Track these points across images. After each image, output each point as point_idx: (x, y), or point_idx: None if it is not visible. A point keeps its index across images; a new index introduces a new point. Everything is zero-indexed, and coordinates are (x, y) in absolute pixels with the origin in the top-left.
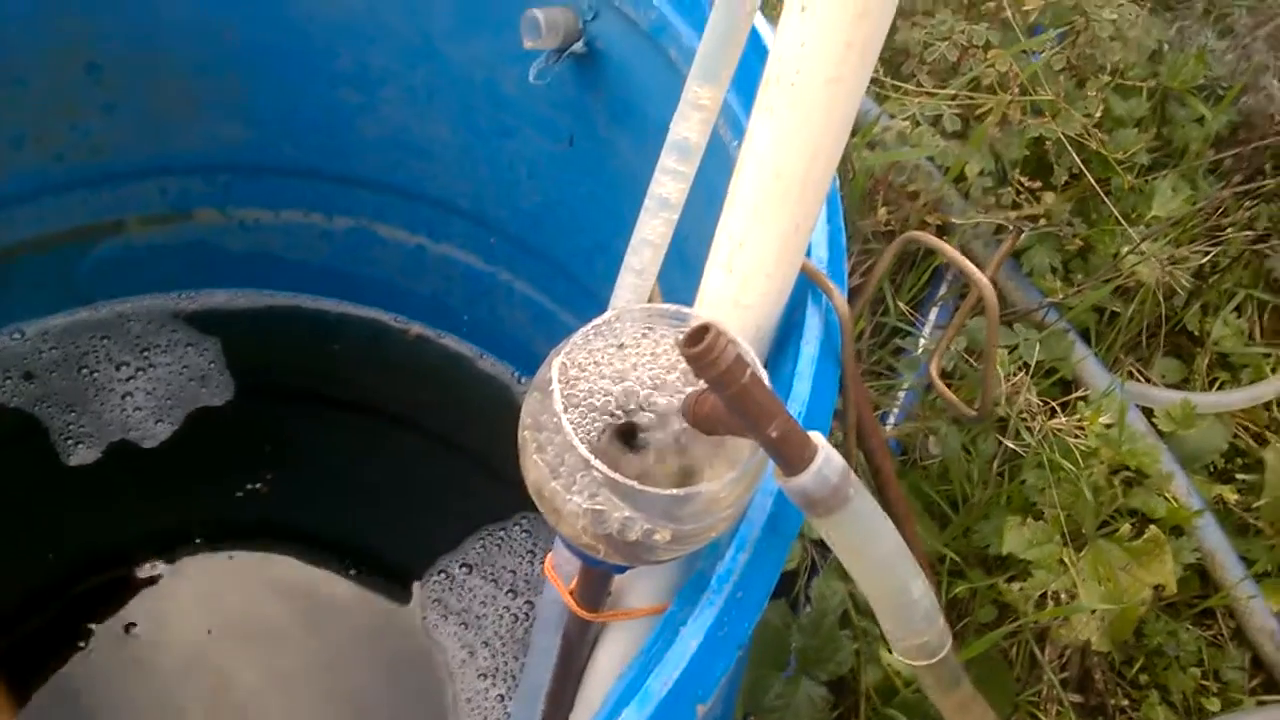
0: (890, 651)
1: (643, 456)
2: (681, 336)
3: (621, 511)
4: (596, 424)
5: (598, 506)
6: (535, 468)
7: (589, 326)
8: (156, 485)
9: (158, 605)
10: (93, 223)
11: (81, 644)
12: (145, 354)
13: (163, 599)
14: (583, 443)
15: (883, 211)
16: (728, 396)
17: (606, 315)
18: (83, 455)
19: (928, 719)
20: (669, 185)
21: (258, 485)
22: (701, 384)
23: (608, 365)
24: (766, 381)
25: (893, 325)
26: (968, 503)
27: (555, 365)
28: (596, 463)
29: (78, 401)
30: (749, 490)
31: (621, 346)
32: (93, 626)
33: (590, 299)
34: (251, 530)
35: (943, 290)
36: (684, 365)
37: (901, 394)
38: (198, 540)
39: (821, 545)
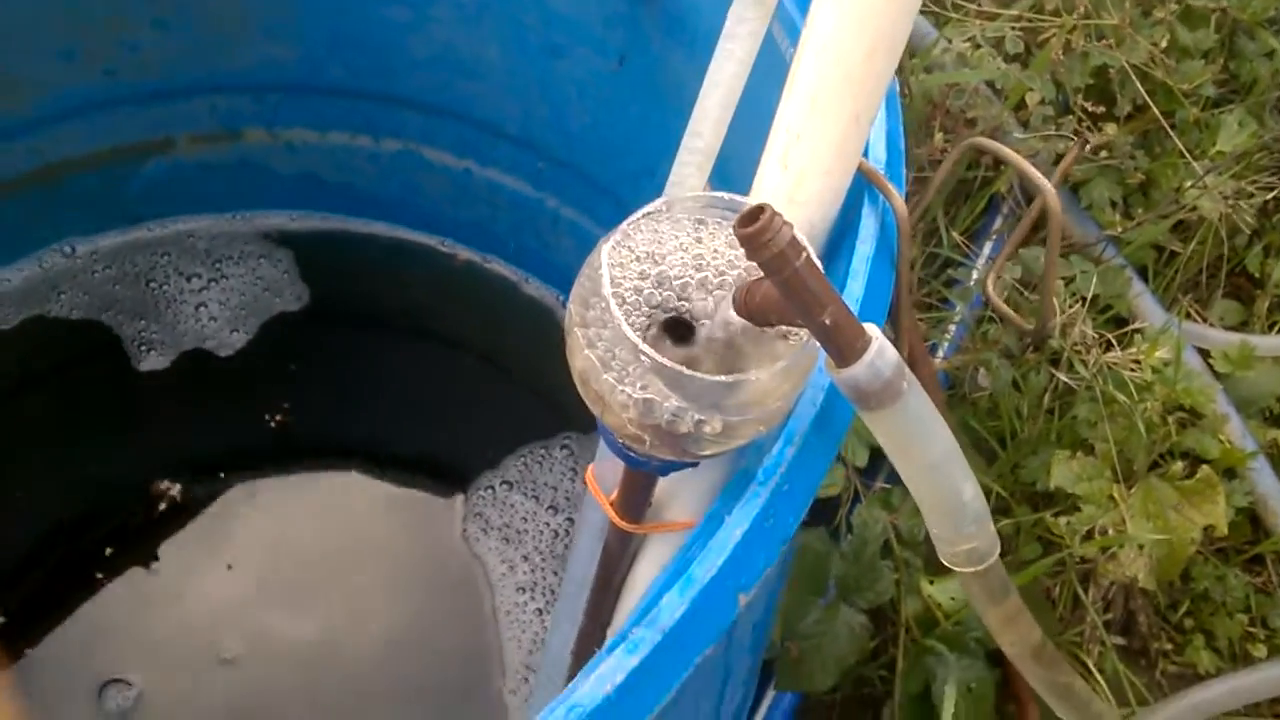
0: (931, 583)
1: (691, 349)
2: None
3: (671, 400)
4: (645, 314)
5: (647, 396)
6: (583, 359)
7: (638, 214)
8: (225, 392)
9: (210, 511)
10: (143, 140)
11: (142, 548)
12: (217, 265)
13: (214, 507)
14: (632, 331)
15: (939, 138)
16: (781, 280)
17: (656, 203)
18: (154, 361)
19: (967, 651)
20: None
21: (308, 398)
22: (754, 275)
23: (657, 255)
24: (820, 268)
25: (946, 256)
26: (1016, 438)
27: (604, 252)
28: (645, 348)
29: (147, 312)
30: (799, 382)
31: (674, 235)
32: (154, 531)
33: None
34: (300, 442)
35: (998, 223)
36: (737, 257)
37: (953, 327)
38: (244, 450)
39: (864, 473)
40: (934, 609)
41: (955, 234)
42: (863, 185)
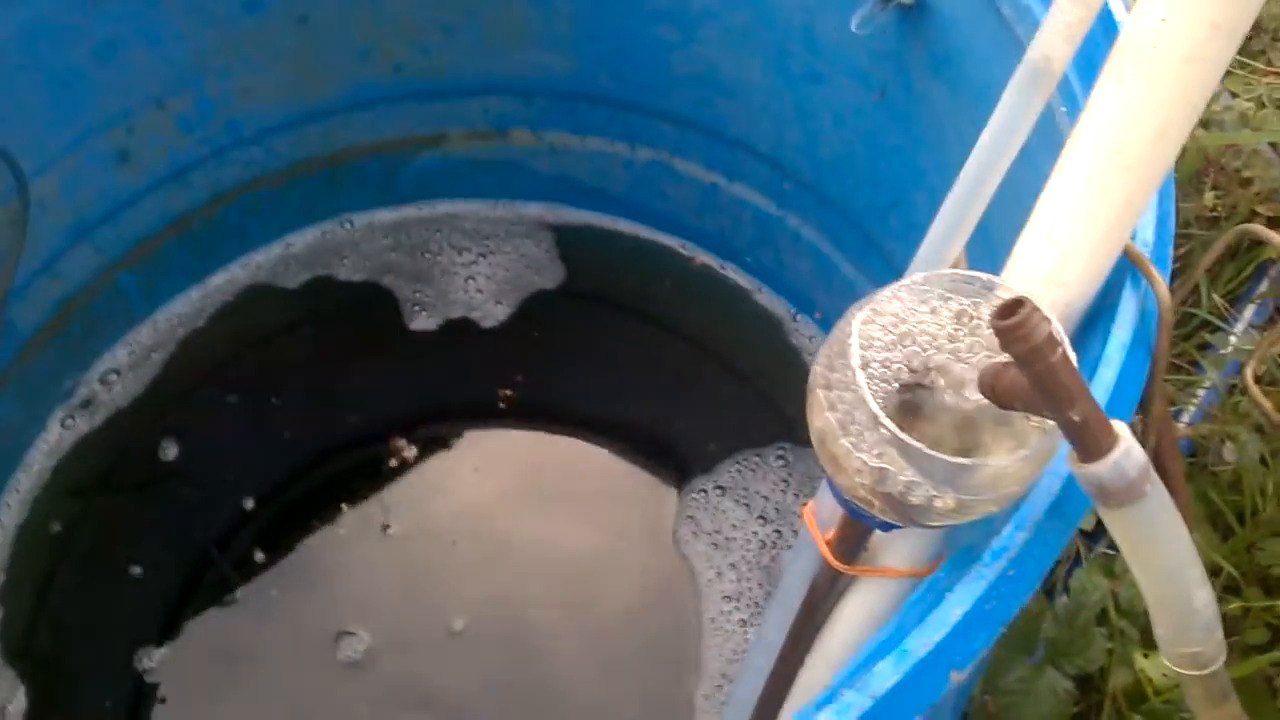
0: (1145, 656)
1: (930, 422)
2: (992, 307)
3: (906, 474)
4: (888, 384)
5: (883, 465)
6: (823, 420)
7: (893, 286)
8: (479, 359)
9: (441, 474)
10: (419, 133)
11: (379, 505)
12: (486, 242)
13: (445, 471)
14: (874, 397)
15: (1210, 196)
16: (1033, 373)
17: (911, 276)
18: (424, 322)
19: None
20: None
21: (548, 374)
22: (1001, 356)
23: (907, 327)
24: (1075, 363)
25: (1202, 318)
26: (1256, 516)
27: (855, 321)
28: (886, 421)
29: (422, 278)
30: (1037, 470)
31: (923, 310)
32: (391, 488)
33: (877, 254)
34: (534, 417)
35: (1264, 287)
36: (985, 336)
37: (1201, 392)
38: (483, 417)
39: (1088, 536)
40: (1145, 683)
41: (1216, 295)
42: (1125, 265)
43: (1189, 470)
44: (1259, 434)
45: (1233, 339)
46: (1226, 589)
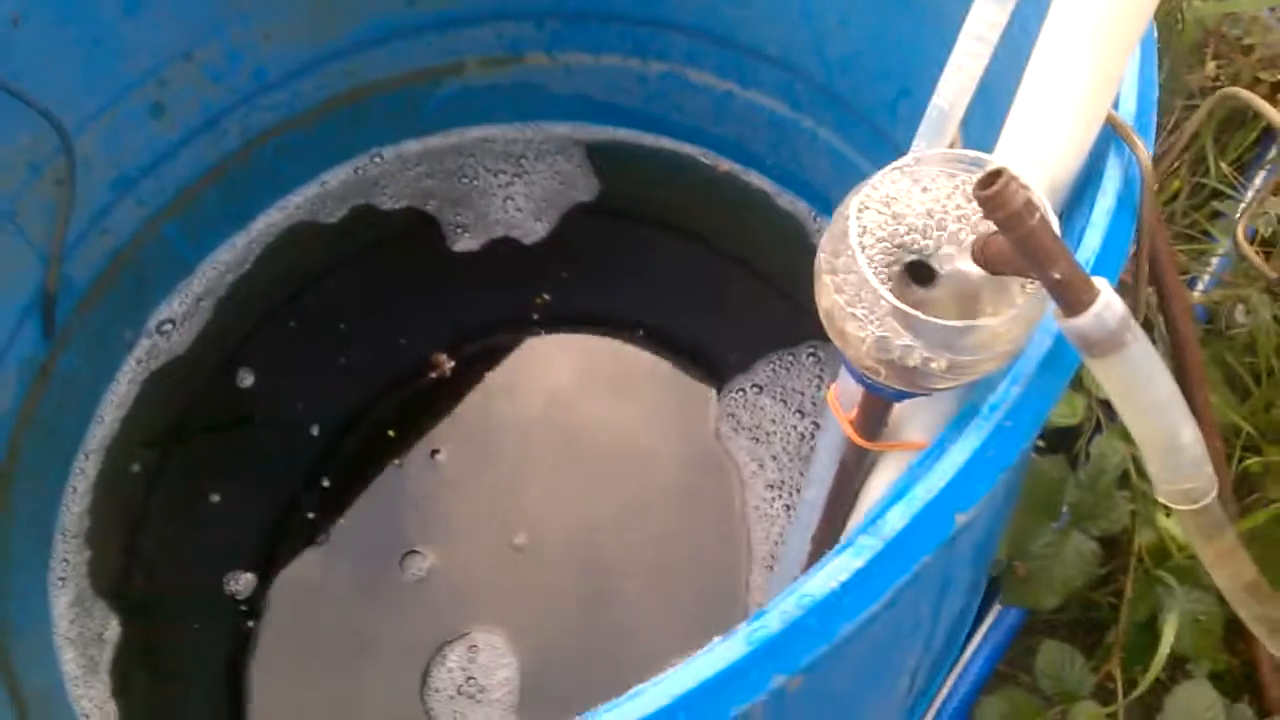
0: (1167, 515)
1: (929, 292)
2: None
3: (903, 339)
4: (889, 259)
5: (882, 334)
6: (830, 301)
7: (889, 168)
8: (520, 275)
9: (485, 389)
10: (438, 64)
11: (429, 424)
12: (520, 162)
13: (489, 385)
14: (874, 275)
15: (1211, 66)
16: (1015, 238)
17: (906, 159)
18: (467, 244)
19: (1199, 585)
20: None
21: (583, 286)
22: (991, 227)
23: (905, 205)
24: (1055, 226)
25: (1212, 187)
26: (1272, 376)
27: (853, 204)
28: (885, 292)
29: (461, 201)
30: (1026, 329)
31: (918, 188)
32: (439, 406)
33: (888, 146)
34: (571, 328)
35: (1272, 153)
36: (975, 209)
37: (1214, 260)
38: (526, 330)
39: (1106, 405)
40: (1167, 541)
41: (1224, 164)
42: (1110, 135)
43: (1205, 336)
44: (1270, 295)
45: (1241, 205)
46: (1246, 448)
